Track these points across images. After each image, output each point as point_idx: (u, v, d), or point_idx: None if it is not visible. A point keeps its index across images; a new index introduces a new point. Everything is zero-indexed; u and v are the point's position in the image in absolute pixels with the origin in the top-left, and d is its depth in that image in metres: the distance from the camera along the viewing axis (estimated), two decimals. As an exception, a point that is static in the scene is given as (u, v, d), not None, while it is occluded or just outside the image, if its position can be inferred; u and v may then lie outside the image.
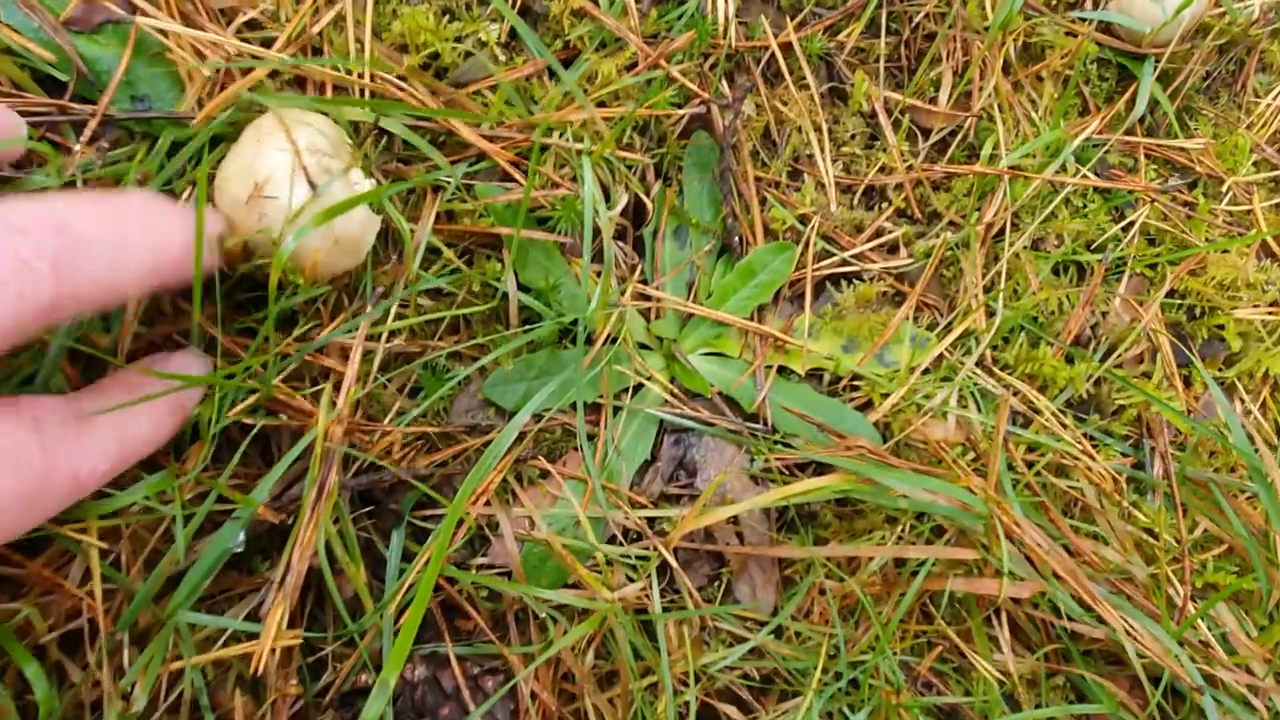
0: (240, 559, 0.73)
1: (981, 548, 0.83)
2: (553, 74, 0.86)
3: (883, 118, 0.99)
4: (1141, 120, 1.08)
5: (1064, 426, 0.98)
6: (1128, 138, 1.06)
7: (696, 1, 0.90)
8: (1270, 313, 1.06)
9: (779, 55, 0.94)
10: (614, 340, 0.86)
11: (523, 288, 0.84)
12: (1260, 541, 0.99)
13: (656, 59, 0.86)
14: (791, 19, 0.97)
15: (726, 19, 0.91)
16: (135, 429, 0.62)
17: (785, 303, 0.95)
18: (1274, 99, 1.15)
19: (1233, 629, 0.98)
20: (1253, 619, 0.99)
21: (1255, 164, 1.13)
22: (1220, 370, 1.07)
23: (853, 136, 0.99)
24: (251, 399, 0.69)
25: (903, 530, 0.88)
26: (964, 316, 0.96)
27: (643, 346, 0.91)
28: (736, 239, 0.92)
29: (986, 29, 1.00)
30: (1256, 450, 1.07)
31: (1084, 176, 0.99)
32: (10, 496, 0.51)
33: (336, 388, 0.74)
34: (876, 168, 0.98)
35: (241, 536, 0.64)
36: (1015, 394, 0.98)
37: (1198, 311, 1.07)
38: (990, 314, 0.97)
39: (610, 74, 0.85)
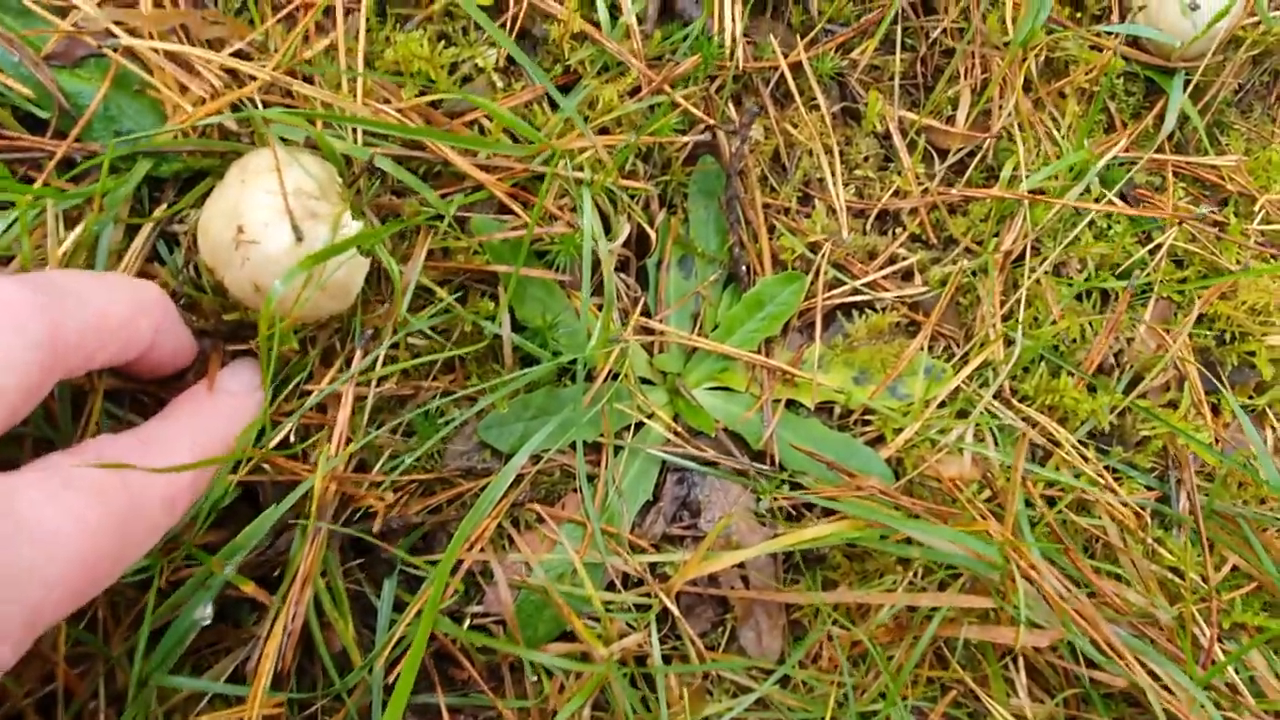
0: (230, 609, 0.71)
1: (997, 594, 0.80)
2: (553, 101, 0.83)
3: (897, 139, 0.95)
4: (1170, 137, 1.04)
5: (1085, 460, 0.94)
6: (1156, 155, 1.01)
7: (702, 22, 0.87)
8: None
9: (788, 75, 0.90)
10: (615, 377, 0.83)
11: (520, 325, 0.81)
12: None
13: (660, 84, 0.83)
14: (802, 37, 0.93)
15: (733, 39, 0.87)
16: (208, 439, 0.62)
17: (794, 333, 0.92)
18: (1311, 111, 1.10)
19: (1262, 672, 0.94)
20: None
21: (1290, 181, 1.08)
22: (1251, 398, 1.02)
23: (866, 159, 0.95)
24: (248, 465, 0.67)
25: (915, 574, 0.85)
26: (981, 347, 0.92)
27: (645, 382, 0.88)
28: (744, 268, 0.89)
29: (1007, 44, 0.95)
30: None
31: (1109, 202, 0.95)
32: (105, 533, 0.51)
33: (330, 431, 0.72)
34: (891, 191, 0.94)
35: (209, 610, 0.62)
36: (1035, 426, 0.94)
37: (1228, 337, 1.02)
38: (1009, 343, 0.93)
39: (612, 100, 0.82)
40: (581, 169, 0.80)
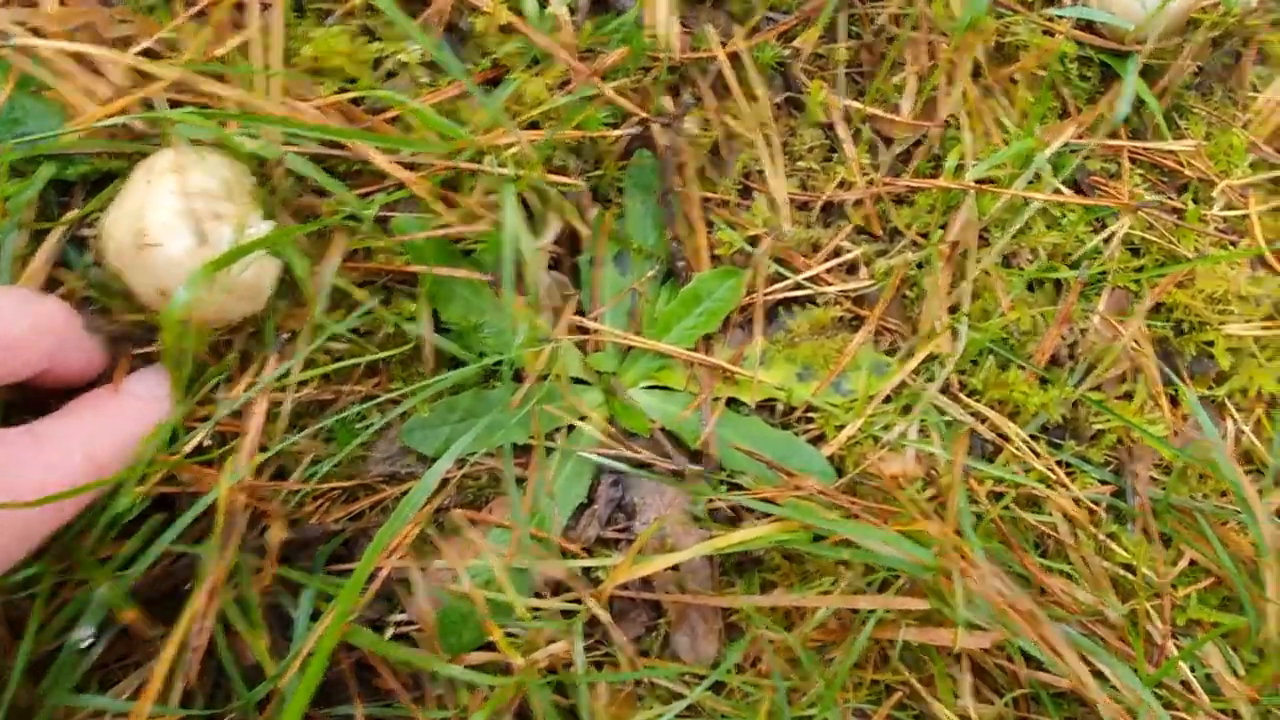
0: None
1: (934, 596, 0.78)
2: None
3: (841, 128, 0.93)
4: (1126, 122, 1.01)
5: (1036, 455, 0.92)
6: (1110, 142, 0.99)
7: (635, 11, 0.85)
8: (1265, 327, 0.99)
9: (726, 66, 0.88)
10: (546, 378, 0.81)
11: (445, 327, 0.79)
12: (1248, 572, 0.93)
13: (589, 76, 0.81)
14: (743, 25, 0.91)
15: (667, 29, 0.85)
16: (107, 441, 0.62)
17: (736, 330, 0.90)
18: (1274, 94, 1.07)
19: (1218, 669, 0.93)
20: (1241, 656, 0.93)
21: (1252, 165, 1.05)
22: (1210, 389, 1.00)
23: (810, 149, 0.93)
24: (156, 478, 0.66)
25: (855, 575, 0.83)
26: (927, 340, 0.90)
27: (579, 382, 0.86)
28: (681, 264, 0.87)
29: (955, 30, 0.93)
30: (1249, 473, 1.01)
31: (1056, 190, 0.93)
32: None
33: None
34: (835, 183, 0.92)
35: (90, 631, 0.61)
36: (983, 421, 0.92)
37: (1185, 327, 1.00)
38: (956, 337, 0.91)
39: (539, 94, 0.80)
40: (506, 165, 0.78)
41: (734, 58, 0.89)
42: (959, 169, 0.91)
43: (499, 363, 0.79)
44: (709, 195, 0.89)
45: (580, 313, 0.86)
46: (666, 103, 0.86)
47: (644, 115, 0.83)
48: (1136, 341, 0.97)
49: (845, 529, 0.78)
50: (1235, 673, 0.93)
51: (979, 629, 0.80)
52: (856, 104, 0.93)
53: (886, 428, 0.88)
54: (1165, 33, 0.96)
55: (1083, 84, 1.00)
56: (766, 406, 0.90)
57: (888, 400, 0.90)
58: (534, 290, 0.78)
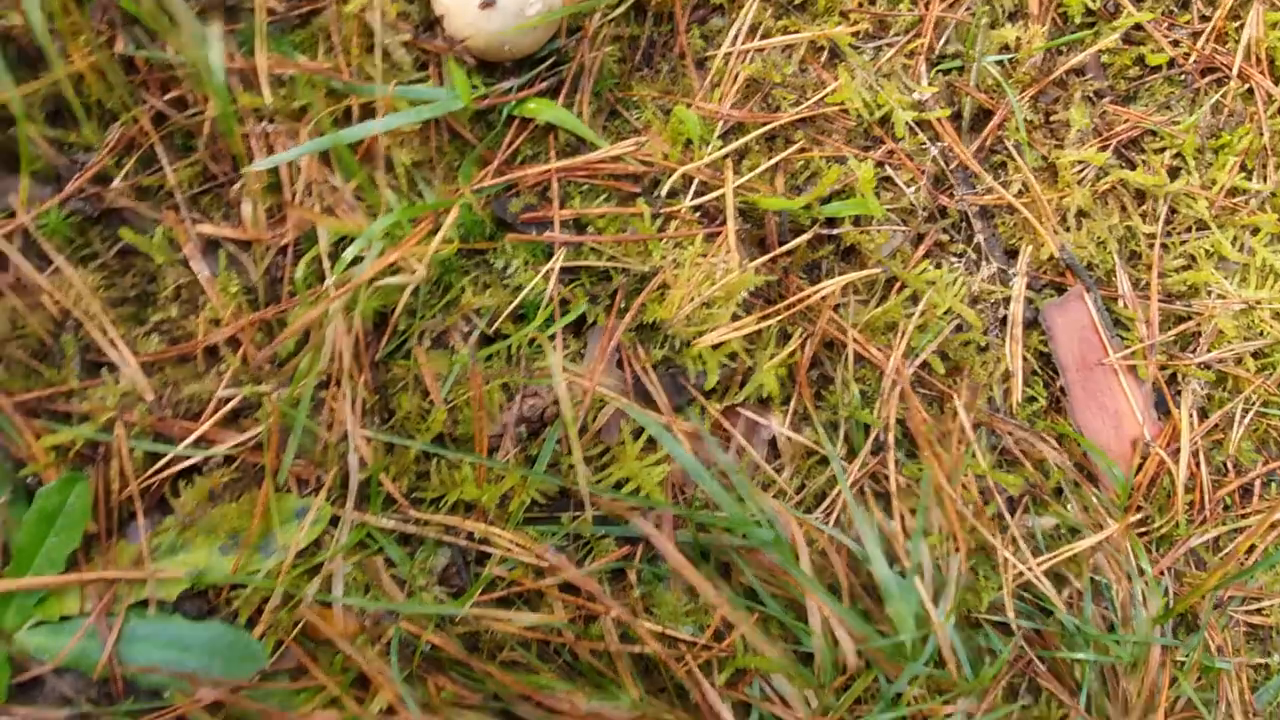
0: None
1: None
2: None
3: (197, 260, 0.82)
4: (555, 138, 0.90)
5: (523, 547, 0.82)
6: (538, 169, 0.88)
7: None
8: (752, 323, 0.88)
9: (12, 249, 0.76)
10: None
11: None
12: (791, 600, 0.83)
13: None
14: (53, 182, 0.80)
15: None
16: None
17: (134, 524, 0.79)
18: (731, 46, 0.96)
19: (795, 704, 0.83)
20: (815, 691, 0.84)
21: (724, 135, 0.94)
22: (719, 401, 0.90)
23: (176, 294, 0.82)
24: None
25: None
26: (338, 461, 0.79)
27: (-52, 649, 0.76)
28: (32, 479, 0.76)
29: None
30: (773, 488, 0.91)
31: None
32: None
33: None
34: (207, 323, 0.81)
35: None
36: (454, 531, 0.82)
37: (678, 343, 0.89)
38: (369, 447, 0.80)
39: None
40: None
41: (26, 232, 0.78)
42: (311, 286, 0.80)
43: None
44: (42, 392, 0.77)
45: (-75, 573, 0.75)
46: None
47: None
48: (634, 372, 0.87)
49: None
50: (808, 704, 0.83)
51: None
52: (211, 228, 0.82)
53: (318, 579, 0.78)
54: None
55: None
56: (199, 594, 0.80)
57: (328, 545, 0.80)
58: None
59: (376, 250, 0.76)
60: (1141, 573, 0.91)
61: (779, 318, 0.89)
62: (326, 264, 0.80)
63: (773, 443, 0.92)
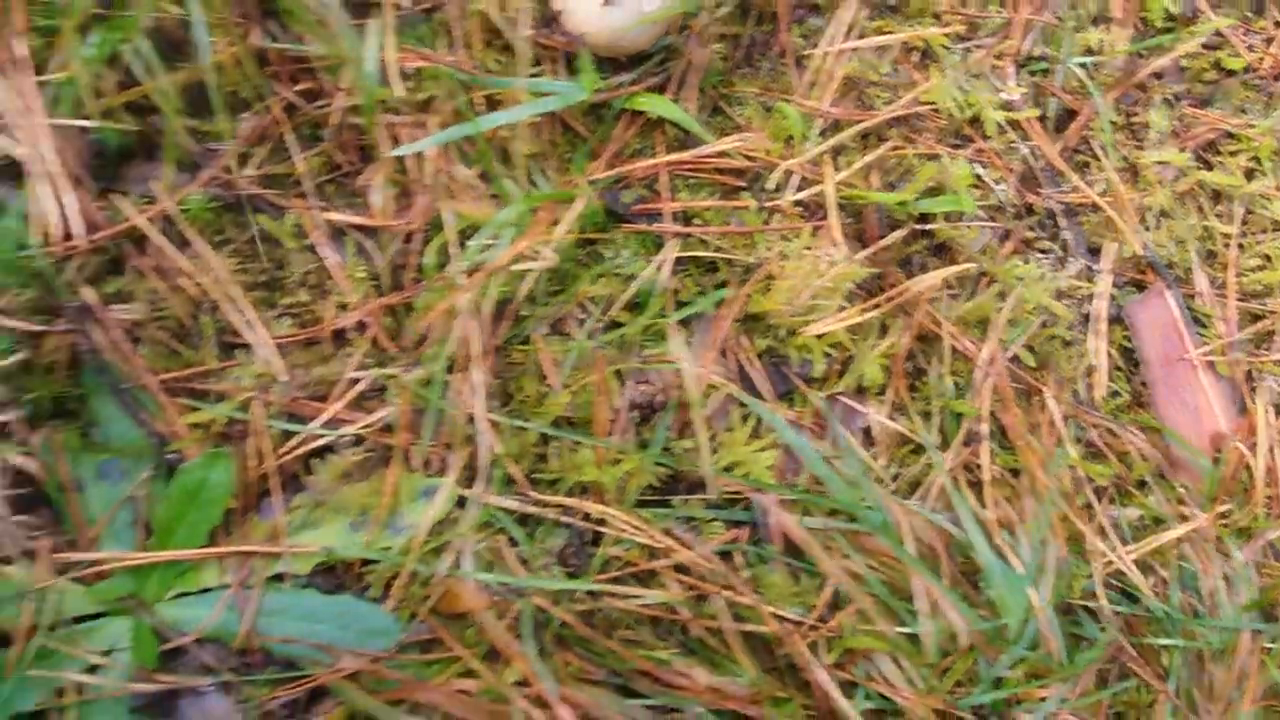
0: None
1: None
2: None
3: (325, 246, 0.84)
4: (662, 132, 0.93)
5: (638, 528, 0.84)
6: (646, 162, 0.90)
7: (20, 205, 0.76)
8: (855, 314, 0.90)
9: (153, 235, 0.79)
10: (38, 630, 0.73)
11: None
12: (891, 583, 0.86)
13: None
14: (188, 170, 0.82)
15: (62, 216, 0.76)
16: None
17: (269, 500, 0.82)
18: (829, 45, 0.98)
19: (899, 683, 0.86)
20: (917, 669, 0.86)
21: (823, 132, 0.96)
22: (820, 389, 0.92)
23: (304, 280, 0.84)
24: None
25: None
26: (465, 444, 0.82)
27: (93, 617, 0.78)
28: (173, 455, 0.79)
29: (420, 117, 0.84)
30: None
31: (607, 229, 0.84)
32: None
33: None
34: (335, 308, 0.84)
35: None
36: (571, 512, 0.84)
37: (782, 333, 0.92)
38: (499, 430, 0.83)
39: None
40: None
41: (166, 219, 0.80)
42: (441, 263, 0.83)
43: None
44: (182, 372, 0.80)
45: (71, 544, 0.77)
46: (89, 293, 0.78)
47: (40, 329, 0.74)
48: (739, 361, 0.89)
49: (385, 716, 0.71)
50: (912, 684, 0.86)
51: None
52: (337, 215, 0.84)
53: (447, 557, 0.80)
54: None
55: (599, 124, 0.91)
56: (328, 570, 0.82)
57: (456, 522, 0.82)
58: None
59: (509, 237, 0.78)
60: (1229, 559, 0.94)
61: (880, 310, 0.91)
62: (454, 251, 0.82)
63: (867, 431, 0.95)
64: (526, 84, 0.83)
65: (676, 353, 0.80)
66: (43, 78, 0.76)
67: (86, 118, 0.77)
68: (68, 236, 0.76)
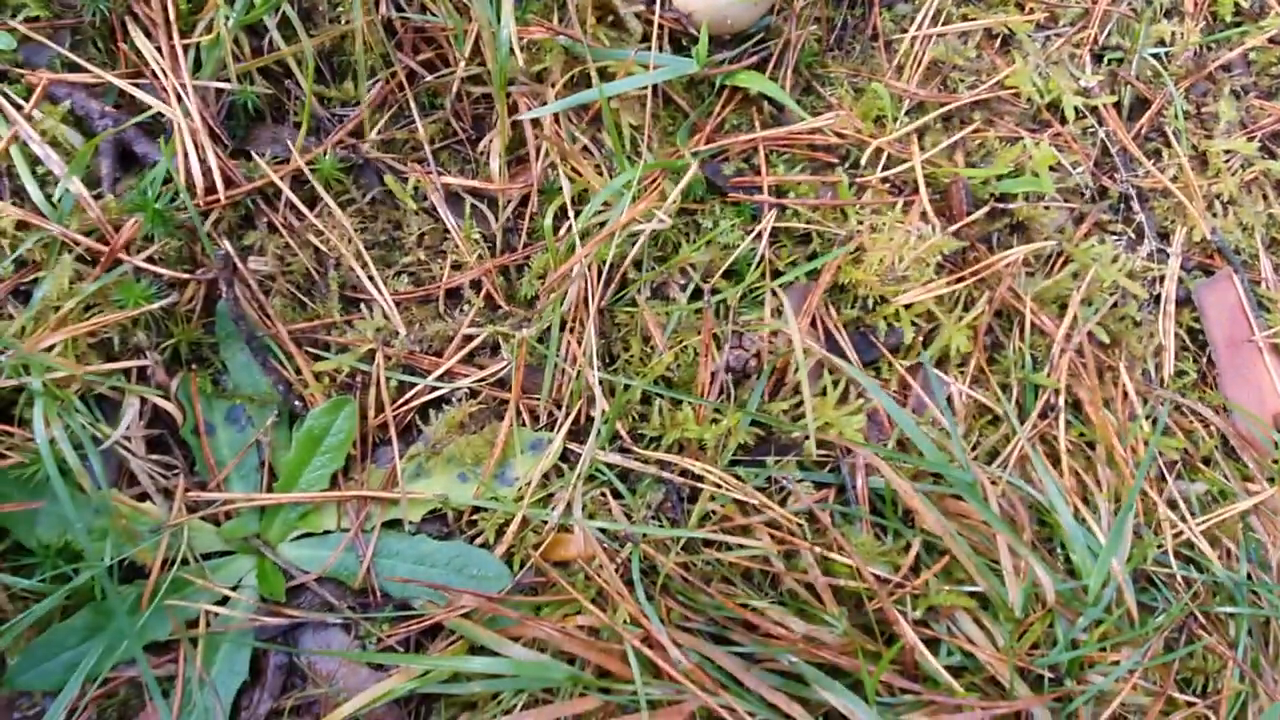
0: None
1: (601, 693, 0.74)
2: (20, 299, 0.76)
3: (443, 208, 0.88)
4: (759, 111, 0.96)
5: (734, 485, 0.88)
6: (745, 137, 0.94)
7: (166, 161, 0.79)
8: (941, 285, 0.94)
9: (286, 191, 0.83)
10: (172, 564, 0.77)
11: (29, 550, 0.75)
12: (980, 542, 0.89)
13: (114, 254, 0.76)
14: (312, 134, 0.86)
15: (206, 171, 0.80)
16: None
17: (384, 447, 0.86)
18: (917, 30, 1.02)
19: (980, 641, 0.89)
20: (997, 626, 0.89)
21: (909, 113, 1.00)
22: (905, 359, 0.96)
23: (420, 240, 0.88)
24: None
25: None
26: (575, 399, 0.85)
27: (221, 554, 0.82)
28: (298, 403, 0.82)
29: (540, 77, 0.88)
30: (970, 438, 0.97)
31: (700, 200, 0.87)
32: None
33: None
34: (450, 267, 0.88)
35: None
36: (669, 468, 0.88)
37: (870, 303, 0.95)
38: (610, 390, 0.86)
39: (62, 289, 0.75)
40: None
41: (296, 176, 0.84)
42: (565, 223, 0.86)
43: (110, 569, 0.75)
44: (307, 324, 0.84)
45: (200, 485, 0.81)
46: (227, 245, 0.81)
47: (184, 276, 0.78)
48: (827, 329, 0.93)
49: (485, 664, 0.75)
50: (994, 642, 0.89)
51: (675, 702, 0.77)
52: (458, 179, 0.88)
53: (556, 506, 0.84)
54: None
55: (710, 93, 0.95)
56: (438, 517, 0.86)
57: (561, 475, 0.86)
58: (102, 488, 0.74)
59: (627, 201, 0.82)
60: (1296, 533, 0.97)
61: (964, 283, 0.95)
62: (571, 214, 0.86)
63: (949, 400, 0.98)
64: (640, 56, 0.87)
65: (781, 318, 0.84)
66: (188, 40, 0.80)
67: (226, 80, 0.81)
68: (210, 190, 0.79)
